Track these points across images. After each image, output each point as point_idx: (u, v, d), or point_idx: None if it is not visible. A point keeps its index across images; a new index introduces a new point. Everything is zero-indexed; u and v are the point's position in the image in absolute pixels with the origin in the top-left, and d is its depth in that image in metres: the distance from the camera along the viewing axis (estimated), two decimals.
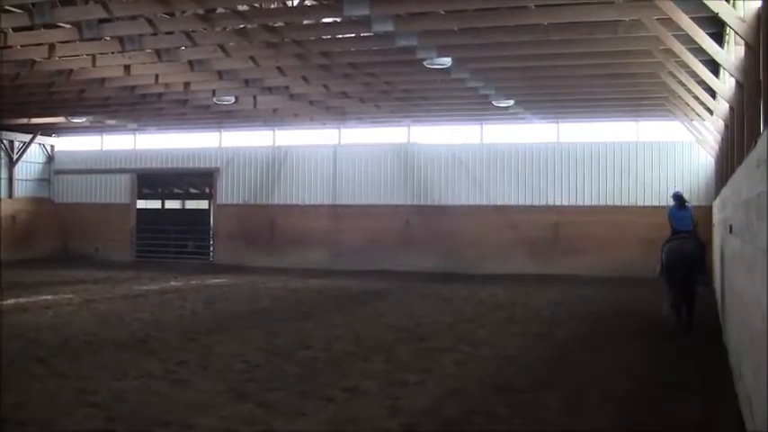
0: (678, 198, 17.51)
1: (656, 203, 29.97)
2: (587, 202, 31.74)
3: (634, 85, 24.13)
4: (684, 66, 18.12)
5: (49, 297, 21.19)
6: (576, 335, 15.96)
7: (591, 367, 12.10)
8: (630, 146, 31.44)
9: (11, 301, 19.96)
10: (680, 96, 22.11)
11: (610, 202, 31.30)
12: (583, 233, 30.85)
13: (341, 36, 19.90)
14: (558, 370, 11.83)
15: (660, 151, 30.90)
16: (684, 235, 16.63)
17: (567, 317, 18.53)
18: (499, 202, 32.32)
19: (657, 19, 15.91)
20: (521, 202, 32.19)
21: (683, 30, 14.69)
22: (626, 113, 30.06)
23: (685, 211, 17.20)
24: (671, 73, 20.01)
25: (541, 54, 20.22)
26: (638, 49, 19.19)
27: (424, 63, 20.43)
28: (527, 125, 32.59)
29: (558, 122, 32.40)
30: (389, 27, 17.68)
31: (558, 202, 31.97)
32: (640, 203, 30.86)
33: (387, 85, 24.92)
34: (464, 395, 10.01)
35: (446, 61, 20.37)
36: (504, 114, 29.99)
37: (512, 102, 26.69)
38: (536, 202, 32.21)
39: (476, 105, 28.38)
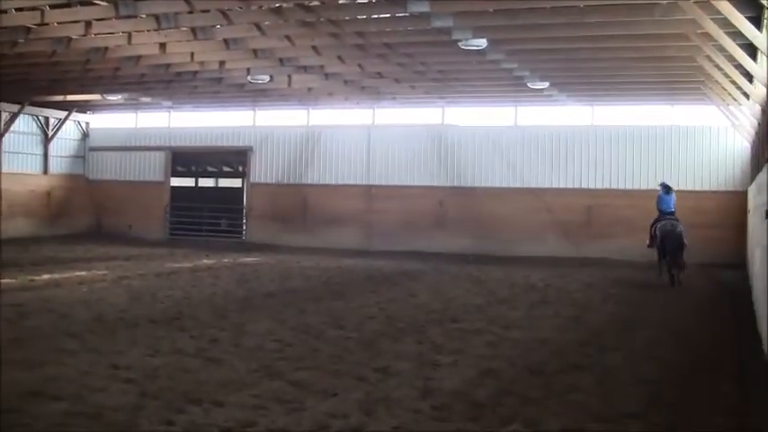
0: (665, 187, 22.95)
1: (690, 188, 29.77)
2: (620, 186, 31.54)
3: (670, 69, 23.94)
4: (721, 49, 17.93)
5: (82, 273, 21.34)
6: (609, 318, 15.91)
7: (623, 350, 12.05)
8: (665, 130, 31.17)
9: (45, 277, 20.15)
10: (716, 80, 21.92)
11: (643, 186, 31.04)
12: (616, 217, 30.67)
13: (376, 16, 19.84)
14: (591, 353, 11.77)
15: (695, 135, 30.61)
16: (671, 217, 21.96)
17: (600, 300, 18.47)
18: (533, 185, 32.17)
19: (695, 2, 15.75)
20: (554, 185, 32.04)
21: (720, 13, 14.55)
22: (661, 97, 29.80)
23: (670, 197, 22.56)
24: (708, 57, 19.82)
25: (577, 36, 20.10)
26: (675, 33, 19.01)
27: (460, 44, 20.33)
28: (561, 107, 32.43)
29: (592, 105, 32.19)
30: (425, 8, 17.62)
31: (591, 186, 31.79)
32: (675, 187, 30.57)
33: (422, 65, 24.85)
34: (496, 377, 9.98)
35: (481, 42, 20.26)
36: (538, 96, 29.83)
37: (546, 84, 26.54)
38: (569, 185, 32.05)
39: (510, 87, 28.25)
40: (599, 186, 31.73)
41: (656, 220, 22.25)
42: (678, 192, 27.91)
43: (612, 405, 8.76)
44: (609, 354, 11.72)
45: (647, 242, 22.95)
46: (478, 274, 23.77)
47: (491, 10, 18.48)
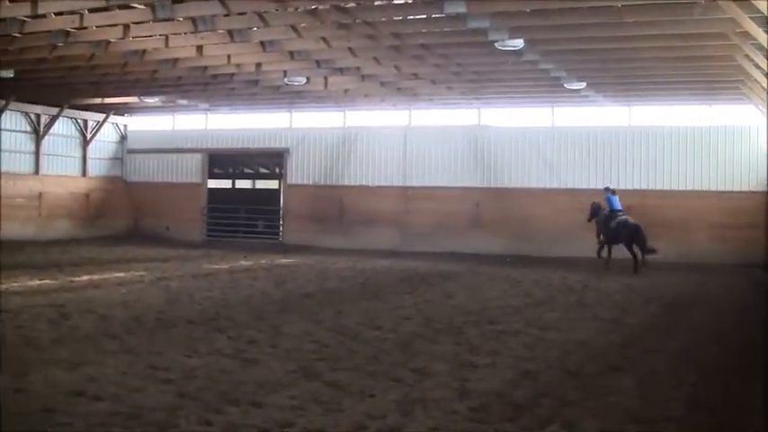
0: (611, 190, 27.42)
1: (728, 188, 29.58)
2: (659, 186, 31.38)
3: (708, 68, 23.80)
4: (761, 48, 17.79)
5: (121, 274, 21.48)
6: (647, 320, 15.78)
7: (663, 352, 11.95)
8: (703, 130, 30.96)
9: (85, 278, 20.31)
10: (756, 80, 21.74)
11: (682, 187, 30.90)
12: (654, 217, 30.44)
13: (412, 17, 19.85)
14: (629, 355, 11.67)
15: (734, 135, 30.40)
16: (621, 213, 26.33)
17: (638, 302, 18.32)
18: (569, 185, 32.05)
19: (734, 0, 15.63)
20: (591, 186, 31.83)
21: (760, 11, 14.43)
22: (699, 97, 29.59)
23: (615, 197, 26.81)
24: (746, 56, 19.67)
25: (614, 36, 20.03)
26: (714, 32, 18.91)
27: (496, 45, 20.32)
28: (598, 108, 32.29)
29: (629, 105, 32.05)
30: (461, 8, 17.62)
31: (629, 186, 31.59)
32: (713, 188, 30.42)
33: (458, 66, 24.85)
34: (534, 378, 9.93)
35: (518, 43, 20.24)
36: (575, 97, 29.74)
37: (583, 84, 26.46)
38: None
39: (547, 88, 28.20)
40: (636, 187, 31.57)
41: (609, 217, 26.47)
42: (716, 192, 27.87)
43: (652, 407, 8.69)
44: (648, 356, 11.62)
45: (601, 237, 26.96)
46: (515, 276, 23.68)
47: (527, 10, 18.46)
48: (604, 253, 26.71)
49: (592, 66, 24.21)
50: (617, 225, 26.06)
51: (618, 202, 26.72)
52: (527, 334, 13.25)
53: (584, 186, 31.99)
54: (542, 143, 33.06)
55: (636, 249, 25.75)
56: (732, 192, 29.56)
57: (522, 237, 32.07)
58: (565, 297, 18.76)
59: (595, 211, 27.50)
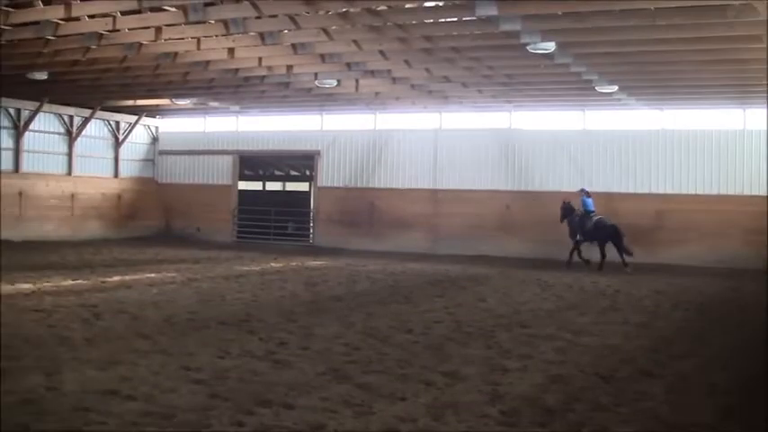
0: (585, 191, 28.59)
1: (762, 193, 29.30)
2: (691, 191, 31.16)
3: (742, 72, 23.63)
4: None
5: (152, 275, 21.60)
6: (679, 325, 15.68)
7: (694, 358, 11.88)
8: (737, 134, 30.72)
9: (116, 278, 20.43)
10: None
11: (714, 191, 30.70)
12: (685, 222, 30.35)
13: (443, 20, 19.84)
14: (661, 360, 11.61)
15: None
16: (595, 213, 27.83)
17: (670, 306, 18.20)
18: (601, 189, 31.85)
19: None
20: (623, 190, 31.73)
21: None
22: (733, 100, 29.38)
23: (590, 199, 28.16)
24: None
25: (647, 39, 19.91)
26: (748, 35, 18.75)
27: (528, 48, 20.25)
28: (630, 111, 32.14)
29: (662, 109, 31.84)
30: (493, 11, 17.56)
31: (660, 190, 31.47)
32: (746, 192, 30.17)
33: (489, 69, 24.80)
34: (566, 383, 9.89)
35: (550, 46, 20.18)
36: (607, 100, 29.61)
37: (615, 87, 26.35)
38: (639, 190, 31.78)
39: (578, 91, 28.10)
40: (669, 191, 31.39)
41: (584, 218, 27.87)
42: (749, 197, 27.72)
43: (684, 414, 8.65)
44: (680, 362, 11.55)
45: (577, 236, 28.11)
46: (546, 279, 23.60)
47: (560, 13, 18.38)
48: (577, 254, 28.19)
49: (624, 69, 24.10)
50: (594, 225, 27.46)
51: (592, 204, 28.10)
52: (559, 338, 13.20)
53: (615, 190, 31.84)
54: (573, 146, 32.96)
55: (608, 250, 27.25)
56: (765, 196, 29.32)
57: (552, 240, 31.92)
58: (596, 301, 18.68)
59: (568, 212, 28.74)
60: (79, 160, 37.33)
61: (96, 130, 38.33)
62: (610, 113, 33.09)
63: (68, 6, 19.33)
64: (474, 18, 18.57)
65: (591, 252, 27.99)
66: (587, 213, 27.91)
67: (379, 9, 18.74)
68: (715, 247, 29.74)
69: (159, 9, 19.44)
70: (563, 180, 32.83)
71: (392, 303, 17.38)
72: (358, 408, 8.36)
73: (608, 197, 31.29)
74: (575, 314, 16.35)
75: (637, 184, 31.78)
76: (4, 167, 33.84)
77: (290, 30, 20.62)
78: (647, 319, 16.02)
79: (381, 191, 35.97)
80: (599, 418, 8.30)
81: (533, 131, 34.12)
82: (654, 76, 25.18)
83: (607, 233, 27.14)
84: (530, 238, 32.61)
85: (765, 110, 28.70)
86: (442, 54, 22.73)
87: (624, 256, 26.78)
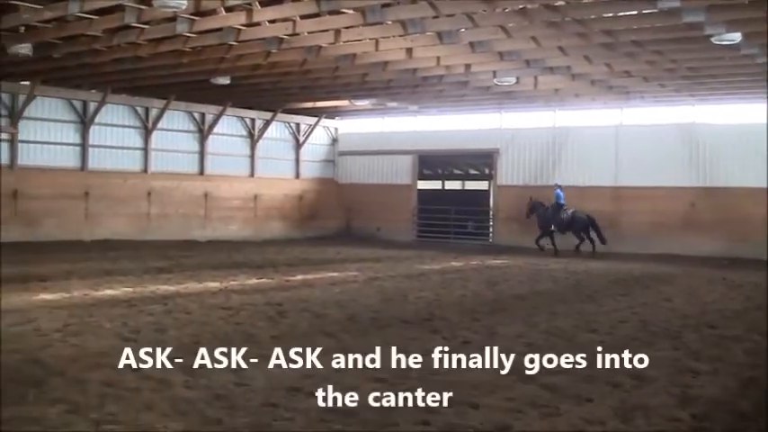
0: (559, 185, 32.47)
1: None
2: None
3: None
4: None
5: (334, 274, 21.90)
6: None
7: None
8: None
9: (299, 277, 20.80)
10: None
11: None
12: None
13: (624, 13, 19.38)
14: None
15: None
16: (566, 205, 31.75)
17: None
18: None
19: None
20: None
21: None
22: None
23: (562, 191, 32.05)
24: None
25: None
26: None
27: (712, 39, 19.58)
28: None
29: None
30: (676, 2, 17.05)
31: None
32: None
33: (672, 63, 24.11)
34: (759, 387, 9.46)
35: (735, 37, 19.43)
36: None
37: None
38: None
39: (765, 83, 26.94)
40: None
41: (557, 209, 31.86)
42: None
43: None
44: None
45: (551, 227, 32.10)
46: (733, 278, 22.79)
47: (746, 2, 17.69)
48: (543, 242, 32.24)
49: None
50: (571, 216, 31.51)
51: (563, 197, 32.08)
52: (750, 340, 12.71)
53: None
54: (762, 140, 31.66)
55: (593, 236, 31.12)
56: None
57: (739, 238, 30.80)
58: None
59: (535, 207, 32.62)
60: (261, 162, 38.29)
61: (277, 132, 39.27)
62: None
63: (249, 12, 19.80)
64: (655, 10, 18.07)
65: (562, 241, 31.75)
66: (559, 206, 31.80)
67: (557, 4, 18.46)
68: None
69: (338, 12, 19.68)
70: (750, 175, 31.49)
71: (575, 302, 17.08)
72: (544, 408, 8.22)
73: None
74: (764, 315, 15.68)
75: None
76: (188, 170, 35.13)
77: (467, 28, 20.56)
78: None
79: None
80: None
81: (718, 125, 32.97)
82: None
83: (584, 224, 31.15)
84: (715, 236, 31.51)
85: None
86: (622, 48, 22.22)
87: (596, 243, 31.02)
